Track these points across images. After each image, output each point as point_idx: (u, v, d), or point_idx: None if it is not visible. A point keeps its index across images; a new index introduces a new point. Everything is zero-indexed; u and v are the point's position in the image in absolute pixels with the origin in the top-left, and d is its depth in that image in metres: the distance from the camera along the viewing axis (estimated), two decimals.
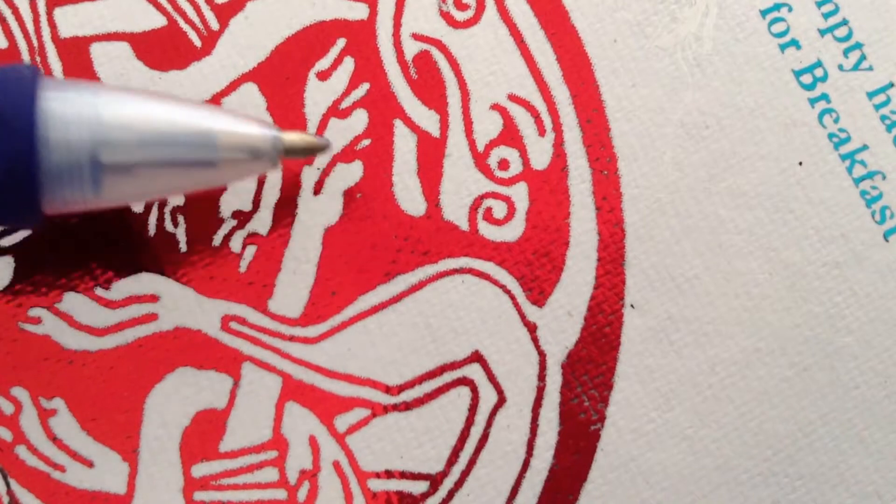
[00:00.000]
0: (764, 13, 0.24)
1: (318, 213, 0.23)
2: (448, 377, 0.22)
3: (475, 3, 0.23)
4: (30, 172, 0.18)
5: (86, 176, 0.19)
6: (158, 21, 0.23)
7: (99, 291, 0.22)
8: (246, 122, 0.20)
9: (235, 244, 0.23)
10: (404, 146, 0.23)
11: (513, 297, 0.23)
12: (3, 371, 0.22)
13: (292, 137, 0.21)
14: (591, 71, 0.23)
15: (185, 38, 0.23)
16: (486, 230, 0.23)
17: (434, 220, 0.23)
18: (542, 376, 0.22)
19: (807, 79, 0.23)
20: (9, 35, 0.23)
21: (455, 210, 0.23)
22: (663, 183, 0.23)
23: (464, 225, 0.23)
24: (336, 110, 0.23)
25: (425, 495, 0.22)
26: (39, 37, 0.23)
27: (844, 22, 0.24)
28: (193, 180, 0.20)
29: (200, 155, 0.20)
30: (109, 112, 0.19)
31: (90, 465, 0.22)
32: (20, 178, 0.18)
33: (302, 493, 0.22)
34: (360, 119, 0.23)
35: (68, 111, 0.18)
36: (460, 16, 0.23)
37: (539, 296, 0.23)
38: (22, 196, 0.18)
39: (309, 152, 0.21)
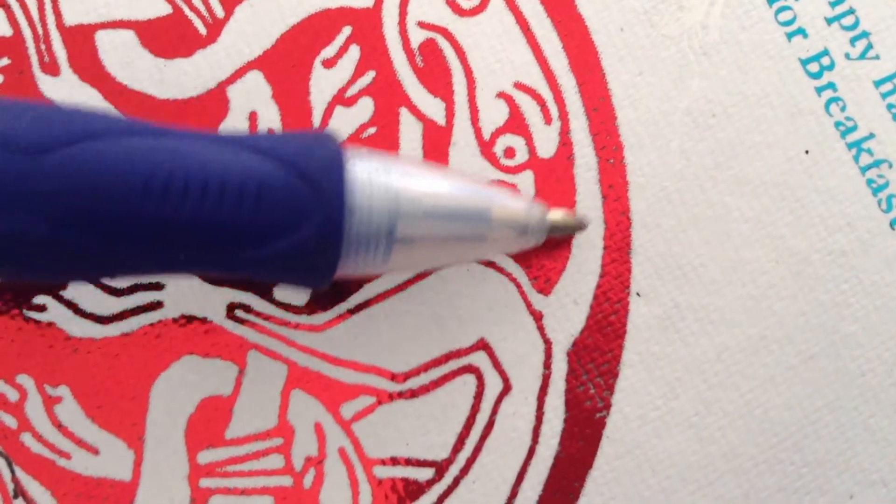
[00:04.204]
0: (771, 2, 0.24)
1: None
2: (454, 365, 0.22)
3: None
4: (337, 240, 0.18)
5: (381, 246, 0.19)
6: (163, 9, 0.23)
7: (104, 279, 0.22)
8: (515, 198, 0.21)
9: None
10: (410, 134, 0.23)
11: (519, 286, 0.23)
12: (8, 359, 0.22)
13: (557, 216, 0.22)
14: (598, 59, 0.23)
15: (190, 25, 0.23)
16: None
17: None
18: (547, 364, 0.22)
19: (814, 67, 0.23)
20: (13, 23, 0.23)
21: None
22: (670, 171, 0.23)
23: None
24: (342, 98, 0.23)
25: (431, 482, 0.22)
26: (44, 24, 0.23)
27: (851, 11, 0.24)
28: (462, 254, 0.21)
29: (475, 230, 0.20)
30: (402, 185, 0.19)
31: (96, 452, 0.22)
32: (328, 245, 0.18)
33: (308, 480, 0.22)
34: (365, 107, 0.23)
35: (372, 182, 0.19)
36: (466, 4, 0.23)
37: (545, 284, 0.23)
38: (325, 261, 0.18)
39: (571, 230, 0.22)
